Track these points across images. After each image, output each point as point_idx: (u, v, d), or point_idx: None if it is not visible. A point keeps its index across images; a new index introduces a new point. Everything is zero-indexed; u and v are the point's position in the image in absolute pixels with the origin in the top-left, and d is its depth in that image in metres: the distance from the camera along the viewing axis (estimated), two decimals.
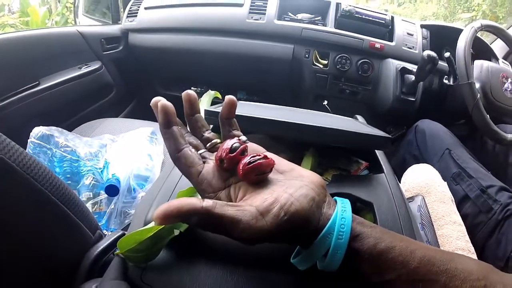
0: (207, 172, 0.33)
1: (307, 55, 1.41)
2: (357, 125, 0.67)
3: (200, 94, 1.32)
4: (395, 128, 1.47)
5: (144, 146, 0.91)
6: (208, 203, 0.28)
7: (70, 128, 1.05)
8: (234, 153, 0.32)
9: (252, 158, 0.31)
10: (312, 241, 0.30)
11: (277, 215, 0.28)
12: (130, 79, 1.72)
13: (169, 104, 0.34)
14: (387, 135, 0.56)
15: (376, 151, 0.62)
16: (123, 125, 1.16)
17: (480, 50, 1.47)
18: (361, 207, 0.47)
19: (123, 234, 0.45)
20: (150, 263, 0.36)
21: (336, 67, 1.39)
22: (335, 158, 0.60)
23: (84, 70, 1.36)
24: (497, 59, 1.48)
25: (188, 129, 0.37)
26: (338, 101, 1.47)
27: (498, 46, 1.56)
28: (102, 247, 0.46)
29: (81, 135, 0.97)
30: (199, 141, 0.37)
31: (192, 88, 1.66)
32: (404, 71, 1.34)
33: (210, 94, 0.61)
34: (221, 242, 0.37)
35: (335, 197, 0.33)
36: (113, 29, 1.63)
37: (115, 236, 0.48)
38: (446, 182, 1.00)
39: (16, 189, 0.39)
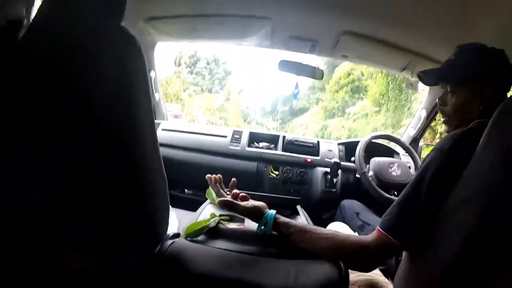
0: (228, 198, 0.95)
1: (265, 169, 2.10)
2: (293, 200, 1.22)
3: (190, 195, 1.95)
4: (328, 211, 2.07)
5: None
6: (232, 201, 0.92)
7: None
8: (237, 193, 0.99)
9: (242, 194, 0.98)
10: (261, 218, 0.86)
11: (250, 206, 0.90)
12: None
13: (215, 177, 1.07)
14: (296, 198, 1.20)
15: (297, 207, 1.16)
16: None
17: (386, 150, 2.22)
18: None
19: (178, 234, 0.83)
20: (198, 237, 0.82)
21: (284, 175, 2.08)
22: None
23: None
24: (398, 154, 2.21)
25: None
26: None
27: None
28: (174, 232, 0.84)
29: None
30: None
31: (185, 190, 2.24)
32: (326, 173, 2.05)
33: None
34: (227, 233, 0.86)
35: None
36: None
37: (176, 232, 0.84)
38: (356, 232, 1.42)
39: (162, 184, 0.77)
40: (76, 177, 0.61)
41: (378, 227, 0.82)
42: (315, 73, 1.99)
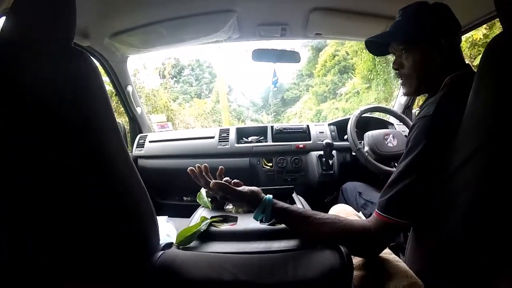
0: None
1: (258, 162, 2.07)
2: (286, 189, 1.21)
3: (189, 202, 1.91)
4: (330, 194, 2.04)
5: (165, 225, 1.41)
6: (227, 184, 0.85)
7: None
8: (229, 181, 0.92)
9: (234, 181, 0.93)
10: (258, 203, 0.83)
11: (247, 190, 0.86)
12: None
13: (199, 166, 0.96)
14: (290, 187, 1.17)
15: (293, 196, 1.15)
16: None
17: (379, 123, 2.17)
18: None
19: (171, 243, 0.83)
20: (190, 244, 0.82)
21: (278, 166, 2.04)
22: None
23: None
24: (392, 124, 2.17)
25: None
26: None
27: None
28: (166, 242, 0.83)
29: None
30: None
31: (184, 198, 2.26)
32: (321, 156, 2.00)
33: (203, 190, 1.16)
34: (220, 235, 0.85)
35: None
36: None
37: (169, 242, 0.84)
38: (360, 211, 1.36)
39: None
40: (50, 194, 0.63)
41: (376, 210, 0.80)
42: (291, 57, 1.95)
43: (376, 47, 1.08)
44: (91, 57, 0.67)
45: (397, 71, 0.99)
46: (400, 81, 1.00)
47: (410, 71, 0.94)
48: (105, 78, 2.09)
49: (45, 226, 0.63)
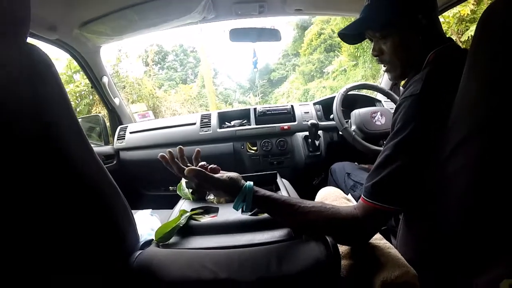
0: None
1: (242, 147, 2.00)
2: (269, 174, 1.17)
3: (175, 192, 1.80)
4: (317, 176, 2.00)
5: (149, 218, 1.34)
6: (203, 170, 0.73)
7: None
8: (205, 166, 0.81)
9: (211, 166, 0.81)
10: (238, 192, 0.74)
11: (225, 177, 0.75)
12: (121, 185, 2.13)
13: (170, 151, 0.82)
14: (273, 172, 1.12)
15: (277, 181, 1.10)
16: None
17: (367, 100, 2.13)
18: None
19: (151, 241, 0.79)
20: (170, 240, 0.78)
21: (262, 149, 1.98)
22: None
23: None
24: (379, 101, 2.12)
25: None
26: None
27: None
28: (145, 240, 0.80)
29: None
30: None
31: (170, 188, 2.18)
32: (307, 137, 1.95)
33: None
34: (201, 229, 0.80)
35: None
36: (109, 149, 2.14)
37: (150, 238, 0.81)
38: (349, 193, 1.29)
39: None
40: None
41: (362, 195, 0.76)
42: (271, 35, 1.86)
43: (351, 36, 1.00)
44: (45, 52, 0.60)
45: (377, 58, 0.92)
46: (383, 67, 0.93)
47: (391, 57, 0.87)
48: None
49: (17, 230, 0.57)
